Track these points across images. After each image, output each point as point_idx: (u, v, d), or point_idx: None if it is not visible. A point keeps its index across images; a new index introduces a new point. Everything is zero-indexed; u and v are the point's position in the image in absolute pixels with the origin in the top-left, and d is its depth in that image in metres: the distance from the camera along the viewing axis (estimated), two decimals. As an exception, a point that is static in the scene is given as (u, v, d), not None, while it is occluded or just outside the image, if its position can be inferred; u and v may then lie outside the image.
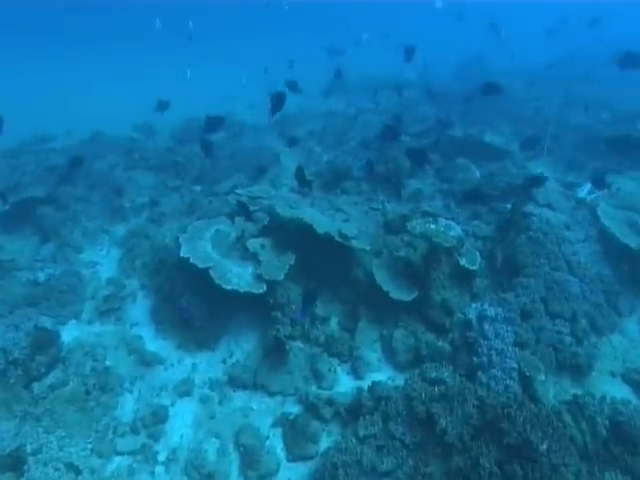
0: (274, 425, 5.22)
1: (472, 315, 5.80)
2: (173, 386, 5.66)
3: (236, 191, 7.40)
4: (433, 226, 6.04)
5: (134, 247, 7.55)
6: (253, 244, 6.26)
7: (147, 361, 5.91)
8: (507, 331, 5.44)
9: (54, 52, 25.08)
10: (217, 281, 5.62)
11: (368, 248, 6.24)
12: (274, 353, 5.73)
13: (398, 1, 35.90)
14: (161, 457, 4.98)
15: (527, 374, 5.02)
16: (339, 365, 5.82)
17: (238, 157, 10.51)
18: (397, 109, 11.91)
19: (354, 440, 4.61)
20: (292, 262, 5.98)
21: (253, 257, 6.12)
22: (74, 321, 6.49)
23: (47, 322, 6.16)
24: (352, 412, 5.05)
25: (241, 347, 6.10)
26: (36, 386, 5.18)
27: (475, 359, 5.30)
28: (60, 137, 12.17)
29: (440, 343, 5.67)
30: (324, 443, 4.97)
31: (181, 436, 5.17)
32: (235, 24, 36.02)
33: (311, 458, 4.87)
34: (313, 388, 5.51)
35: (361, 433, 4.64)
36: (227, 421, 5.25)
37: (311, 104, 14.04)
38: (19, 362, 5.25)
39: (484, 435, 4.20)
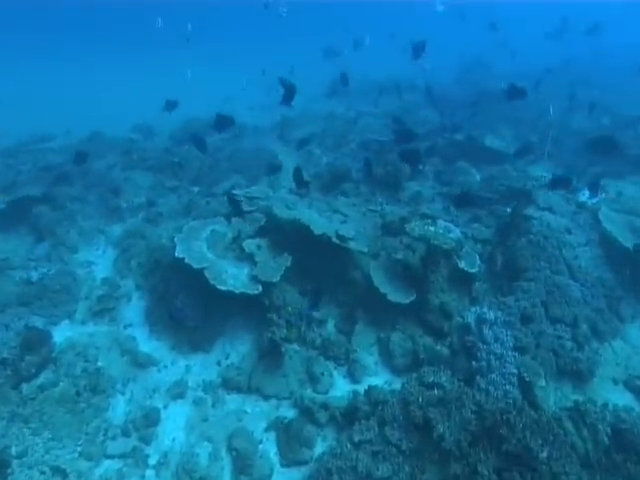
0: (268, 429, 5.12)
1: (471, 319, 5.70)
2: (166, 388, 5.56)
3: (233, 191, 7.33)
4: (432, 228, 5.96)
5: (130, 247, 7.49)
6: (249, 245, 6.19)
7: (140, 362, 5.82)
8: (507, 335, 5.35)
9: (54, 52, 25.12)
10: (212, 282, 5.54)
11: (366, 250, 6.16)
12: (269, 355, 5.63)
13: (398, 1, 35.95)
14: (152, 461, 4.88)
15: (527, 379, 4.91)
16: (335, 368, 5.73)
17: (237, 158, 10.48)
18: (398, 112, 11.87)
19: (349, 445, 4.51)
20: (288, 263, 5.90)
21: (249, 258, 6.05)
22: (67, 321, 6.39)
23: (39, 322, 6.08)
24: (348, 416, 4.96)
25: (236, 349, 6.00)
26: (25, 387, 5.08)
27: (474, 364, 5.20)
28: (59, 137, 12.15)
29: (438, 347, 5.58)
30: (319, 448, 4.87)
31: (173, 439, 5.07)
32: (235, 24, 36.20)
33: (305, 463, 4.77)
34: (308, 392, 5.41)
35: (356, 438, 4.54)
36: (220, 424, 5.15)
37: (311, 107, 14.02)
38: (8, 362, 5.16)
39: (482, 442, 4.09)
